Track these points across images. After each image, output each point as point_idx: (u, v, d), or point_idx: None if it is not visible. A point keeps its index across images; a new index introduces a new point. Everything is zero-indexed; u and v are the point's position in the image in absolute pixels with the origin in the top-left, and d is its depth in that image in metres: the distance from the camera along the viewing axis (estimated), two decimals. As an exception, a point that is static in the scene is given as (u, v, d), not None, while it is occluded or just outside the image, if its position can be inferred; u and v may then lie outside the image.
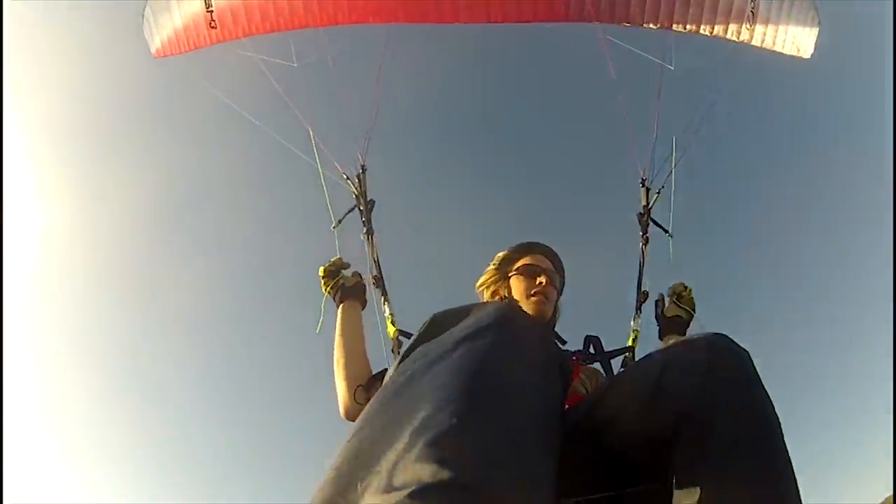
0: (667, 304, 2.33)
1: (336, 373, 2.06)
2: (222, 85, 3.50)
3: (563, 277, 2.29)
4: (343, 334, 2.14)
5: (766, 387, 1.14)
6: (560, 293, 2.27)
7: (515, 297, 2.15)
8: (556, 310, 2.24)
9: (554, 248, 2.31)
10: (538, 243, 2.29)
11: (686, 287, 2.33)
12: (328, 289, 2.26)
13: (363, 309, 2.27)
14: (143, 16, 3.45)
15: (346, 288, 2.25)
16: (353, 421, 2.01)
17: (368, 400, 1.92)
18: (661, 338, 2.30)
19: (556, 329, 2.24)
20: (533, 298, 2.08)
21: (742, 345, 1.22)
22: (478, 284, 2.30)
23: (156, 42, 3.38)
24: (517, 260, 2.22)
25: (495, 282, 2.24)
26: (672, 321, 2.27)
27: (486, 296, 2.25)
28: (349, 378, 2.03)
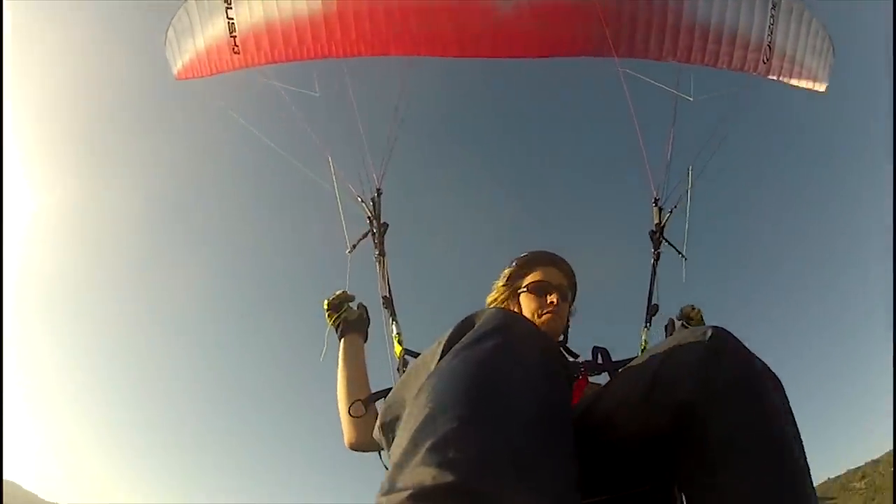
0: (677, 327, 2.34)
1: (340, 406, 2.06)
2: (240, 102, 3.54)
3: (575, 285, 2.27)
4: (346, 368, 2.14)
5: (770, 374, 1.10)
6: (573, 301, 2.25)
7: (525, 315, 2.14)
8: (568, 319, 2.23)
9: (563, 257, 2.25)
10: (547, 254, 2.25)
11: (694, 308, 2.36)
12: (332, 321, 2.27)
13: (365, 342, 2.28)
14: (165, 36, 3.52)
15: (350, 321, 2.26)
16: (358, 450, 2.05)
17: (364, 415, 1.93)
18: None
19: (567, 336, 2.23)
20: (544, 318, 2.07)
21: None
22: (488, 302, 2.30)
23: (178, 64, 3.43)
24: (526, 275, 2.20)
25: (506, 299, 2.23)
26: None
27: None
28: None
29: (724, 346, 1.12)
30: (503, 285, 2.26)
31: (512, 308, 2.21)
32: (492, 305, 2.25)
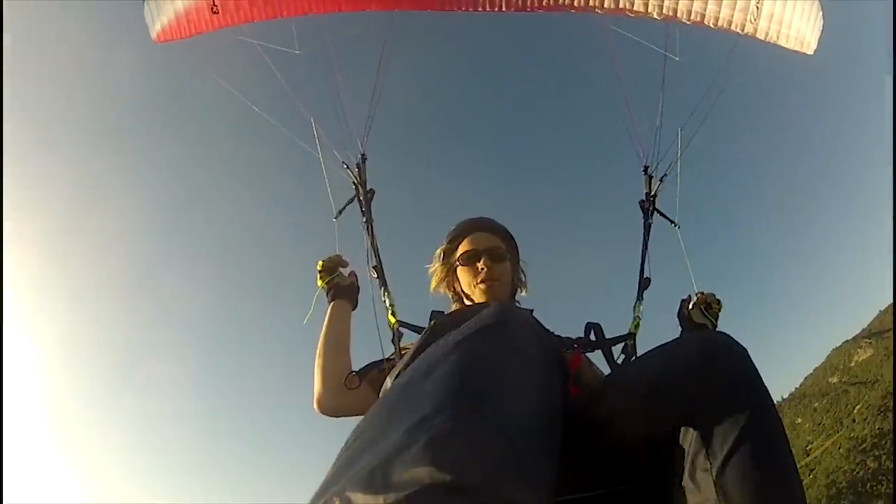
0: (692, 308, 2.23)
1: (316, 365, 2.06)
2: (220, 73, 3.48)
3: (512, 241, 2.26)
4: (329, 330, 2.14)
5: (765, 383, 1.15)
6: (517, 259, 2.26)
7: (465, 290, 2.14)
8: (517, 280, 2.25)
9: (496, 219, 2.26)
10: (471, 220, 2.26)
11: (719, 302, 2.22)
12: (323, 283, 2.26)
13: (353, 310, 2.27)
14: (144, -1, 3.44)
15: (341, 287, 2.25)
16: (327, 413, 2.05)
17: (359, 387, 1.94)
18: None
19: (517, 298, 2.24)
20: (480, 287, 2.06)
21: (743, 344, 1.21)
22: (432, 286, 2.28)
23: (156, 26, 3.36)
24: (456, 248, 2.19)
25: (445, 278, 2.23)
26: (697, 328, 2.19)
27: (444, 292, 2.26)
28: (327, 373, 2.03)
29: (722, 353, 1.18)
30: (441, 264, 2.24)
31: (454, 285, 2.21)
32: (437, 287, 2.26)
